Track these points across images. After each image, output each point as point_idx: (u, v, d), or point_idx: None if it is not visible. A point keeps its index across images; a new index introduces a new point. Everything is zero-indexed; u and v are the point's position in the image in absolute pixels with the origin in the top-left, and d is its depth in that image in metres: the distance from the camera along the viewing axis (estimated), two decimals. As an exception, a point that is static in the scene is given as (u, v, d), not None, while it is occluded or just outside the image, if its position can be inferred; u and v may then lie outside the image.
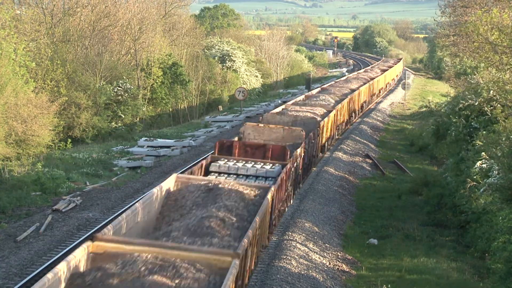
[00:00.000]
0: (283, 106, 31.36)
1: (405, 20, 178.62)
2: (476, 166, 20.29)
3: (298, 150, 20.31)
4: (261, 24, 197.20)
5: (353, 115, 41.74)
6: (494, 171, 18.40)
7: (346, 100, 36.31)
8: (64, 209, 22.19)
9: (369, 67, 78.25)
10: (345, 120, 37.58)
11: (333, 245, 19.80)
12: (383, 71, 65.97)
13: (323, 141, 28.53)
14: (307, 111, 29.01)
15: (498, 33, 21.34)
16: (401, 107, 58.53)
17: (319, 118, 27.78)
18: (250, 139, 21.82)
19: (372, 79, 54.18)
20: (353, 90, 42.73)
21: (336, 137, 34.71)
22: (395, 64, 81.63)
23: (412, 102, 61.10)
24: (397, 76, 77.36)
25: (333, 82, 51.71)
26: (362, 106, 45.89)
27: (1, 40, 30.59)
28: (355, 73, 64.87)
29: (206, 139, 37.07)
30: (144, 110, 45.48)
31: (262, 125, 22.76)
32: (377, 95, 55.97)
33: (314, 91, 41.54)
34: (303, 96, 37.40)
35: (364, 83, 49.05)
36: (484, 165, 19.90)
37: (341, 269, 17.93)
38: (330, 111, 30.52)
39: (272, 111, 28.81)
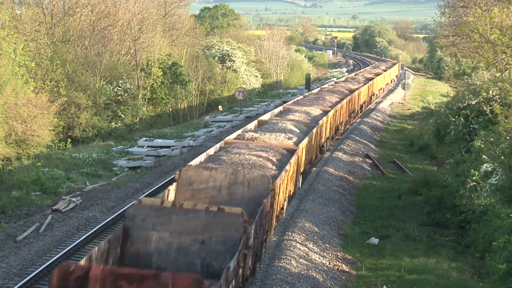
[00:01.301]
0: (221, 143, 20.82)
1: (405, 20, 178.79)
2: (481, 169, 20.26)
3: (231, 265, 10.83)
4: (261, 24, 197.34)
5: (325, 145, 30.74)
6: (497, 174, 18.41)
7: (315, 130, 25.55)
8: (64, 209, 22.19)
9: (352, 74, 64.93)
10: (316, 155, 27.53)
11: (333, 245, 19.79)
12: (369, 79, 54.36)
13: (281, 203, 18.15)
14: (257, 155, 18.78)
15: (498, 32, 21.34)
16: (401, 107, 58.53)
17: (274, 170, 17.98)
18: (147, 231, 12.14)
19: (352, 92, 42.53)
20: (326, 112, 31.25)
21: (300, 186, 23.23)
22: (387, 69, 68.68)
23: (412, 102, 61.13)
24: (387, 84, 65.25)
25: (301, 96, 39.95)
26: (337, 128, 35.30)
27: (0, 40, 30.61)
28: (332, 82, 53.49)
29: (206, 139, 37.07)
30: (144, 110, 45.53)
31: (169, 204, 12.42)
32: (357, 112, 45.22)
33: (273, 112, 30.54)
34: (255, 122, 26.71)
35: (342, 98, 37.98)
36: (488, 169, 19.89)
37: (341, 269, 17.93)
38: (292, 152, 20.12)
39: (195, 162, 17.54)
